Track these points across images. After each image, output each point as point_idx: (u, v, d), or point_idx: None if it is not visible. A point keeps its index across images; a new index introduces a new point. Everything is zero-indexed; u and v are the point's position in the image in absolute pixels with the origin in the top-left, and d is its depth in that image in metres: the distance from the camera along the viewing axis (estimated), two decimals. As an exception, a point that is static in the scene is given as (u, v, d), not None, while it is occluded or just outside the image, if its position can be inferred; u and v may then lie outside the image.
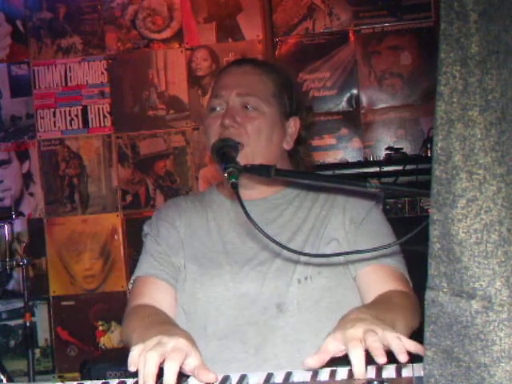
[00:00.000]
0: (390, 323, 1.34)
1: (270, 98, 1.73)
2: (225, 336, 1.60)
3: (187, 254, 1.71)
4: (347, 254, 1.60)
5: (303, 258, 1.61)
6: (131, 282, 1.75)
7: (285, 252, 1.60)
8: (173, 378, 1.18)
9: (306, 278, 1.61)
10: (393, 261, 1.64)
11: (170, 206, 1.84)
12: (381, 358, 1.13)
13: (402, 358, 1.13)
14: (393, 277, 1.62)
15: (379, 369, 1.20)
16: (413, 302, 1.57)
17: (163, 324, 1.51)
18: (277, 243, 1.37)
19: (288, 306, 1.60)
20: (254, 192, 1.75)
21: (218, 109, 1.72)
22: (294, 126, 1.79)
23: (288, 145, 1.78)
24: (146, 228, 1.82)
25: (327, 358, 1.23)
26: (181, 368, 1.22)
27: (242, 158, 1.61)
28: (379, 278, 1.62)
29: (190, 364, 1.25)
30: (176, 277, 1.70)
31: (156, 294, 1.67)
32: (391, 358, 1.28)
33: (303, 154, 1.86)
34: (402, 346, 1.16)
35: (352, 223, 1.68)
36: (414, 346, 1.17)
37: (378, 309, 1.43)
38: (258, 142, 1.68)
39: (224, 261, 1.67)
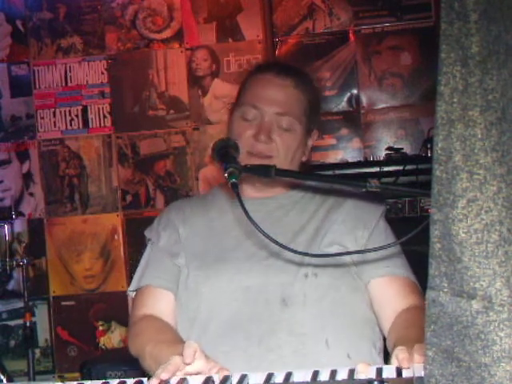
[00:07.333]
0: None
1: (302, 116, 1.77)
2: (227, 329, 1.61)
3: (189, 252, 1.73)
4: (348, 253, 1.62)
5: (306, 258, 1.63)
6: (131, 290, 1.79)
7: (287, 252, 1.62)
8: (192, 352, 1.27)
9: (313, 274, 1.63)
10: (405, 271, 1.67)
11: (170, 209, 1.87)
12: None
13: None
14: (409, 289, 1.65)
15: (379, 369, 1.20)
16: None
17: (174, 344, 1.56)
18: (276, 243, 1.36)
19: (293, 299, 1.61)
20: (263, 191, 1.79)
21: (251, 118, 1.74)
22: (313, 140, 1.85)
23: (306, 157, 1.83)
24: (147, 233, 1.85)
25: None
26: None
27: None
28: (396, 292, 1.65)
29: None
30: (176, 281, 1.72)
31: (157, 303, 1.72)
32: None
33: None
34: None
35: (365, 229, 1.71)
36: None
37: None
38: (285, 158, 1.74)
39: (228, 256, 1.70)
